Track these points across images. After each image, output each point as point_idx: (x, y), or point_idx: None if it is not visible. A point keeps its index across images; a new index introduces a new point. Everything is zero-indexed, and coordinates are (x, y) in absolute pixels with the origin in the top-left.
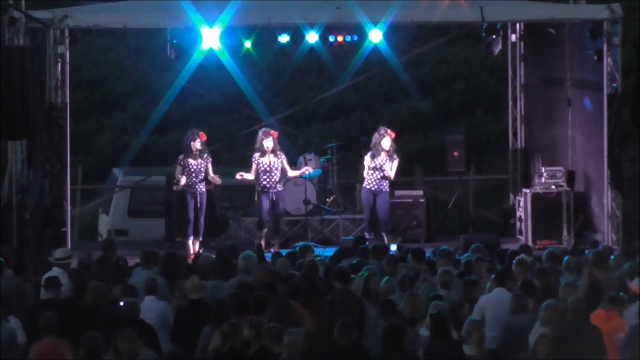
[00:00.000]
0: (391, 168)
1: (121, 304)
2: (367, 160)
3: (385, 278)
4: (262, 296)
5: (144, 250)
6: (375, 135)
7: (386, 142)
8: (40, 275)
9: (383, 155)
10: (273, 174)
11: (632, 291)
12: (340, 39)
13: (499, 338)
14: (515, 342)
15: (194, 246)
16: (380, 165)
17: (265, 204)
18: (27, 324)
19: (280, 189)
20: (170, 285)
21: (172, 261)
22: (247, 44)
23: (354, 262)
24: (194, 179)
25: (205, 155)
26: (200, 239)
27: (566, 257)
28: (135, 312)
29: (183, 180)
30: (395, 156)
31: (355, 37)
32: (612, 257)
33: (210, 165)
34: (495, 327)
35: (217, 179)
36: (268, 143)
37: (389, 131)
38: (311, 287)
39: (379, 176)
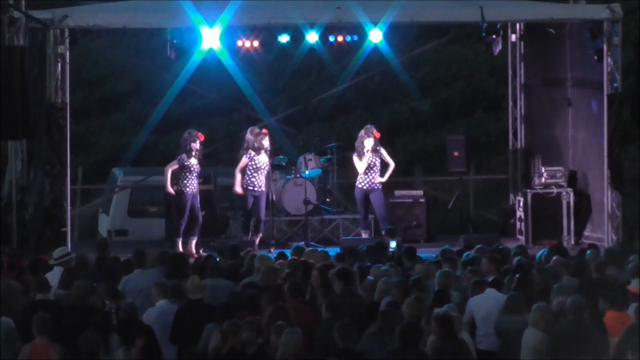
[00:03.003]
0: (384, 156)
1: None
2: (356, 160)
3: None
4: (256, 295)
5: (136, 249)
6: (361, 132)
7: (369, 143)
8: (39, 275)
9: (369, 154)
10: (262, 174)
11: (630, 291)
12: (340, 39)
13: (488, 337)
14: (508, 343)
15: (190, 246)
16: (371, 163)
17: (250, 203)
18: (20, 325)
19: (264, 190)
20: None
21: (177, 261)
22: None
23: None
24: (195, 179)
25: (200, 157)
26: (196, 237)
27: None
28: (133, 312)
29: (171, 190)
30: (379, 148)
31: (355, 37)
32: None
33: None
34: (482, 327)
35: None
36: (266, 142)
37: (374, 131)
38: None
39: (372, 174)
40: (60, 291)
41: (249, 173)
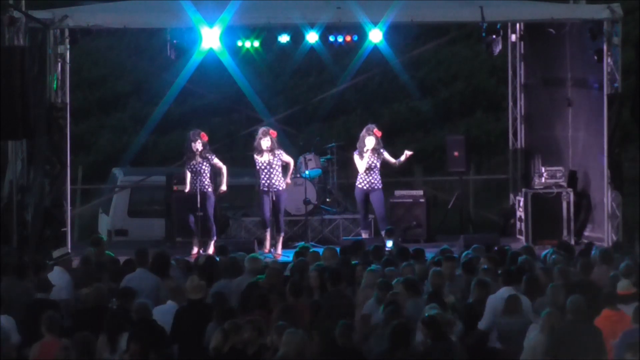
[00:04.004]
0: (386, 158)
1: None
2: (357, 159)
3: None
4: (267, 294)
5: (138, 249)
6: (363, 132)
7: (370, 142)
8: (40, 275)
9: (370, 153)
10: (272, 173)
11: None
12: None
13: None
14: (509, 344)
15: (207, 246)
16: (372, 164)
17: (266, 203)
18: (23, 324)
19: (281, 188)
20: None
21: (162, 259)
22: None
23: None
24: (198, 178)
25: (208, 155)
26: (215, 237)
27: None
28: (147, 313)
29: (187, 188)
30: (382, 150)
31: (355, 37)
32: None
33: (217, 161)
34: None
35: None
36: (265, 143)
37: (374, 130)
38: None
39: (372, 175)
40: (85, 290)
41: (258, 174)
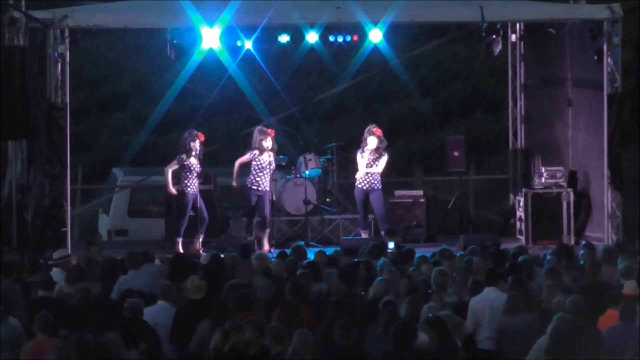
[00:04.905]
0: (377, 164)
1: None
2: (360, 158)
3: (378, 279)
4: (247, 293)
5: (130, 251)
6: (365, 134)
7: (372, 141)
8: (43, 272)
9: (370, 154)
10: (267, 173)
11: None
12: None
13: (493, 339)
14: (510, 344)
15: (195, 244)
16: (370, 164)
17: (253, 202)
18: (26, 324)
19: (268, 189)
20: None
21: (181, 262)
22: (247, 44)
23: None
24: (195, 178)
25: (201, 157)
26: (201, 235)
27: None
28: (138, 312)
29: (174, 190)
30: (384, 153)
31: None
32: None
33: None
34: (487, 329)
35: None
36: (267, 143)
37: (374, 129)
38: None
39: (372, 175)
40: (67, 288)
41: (254, 172)
